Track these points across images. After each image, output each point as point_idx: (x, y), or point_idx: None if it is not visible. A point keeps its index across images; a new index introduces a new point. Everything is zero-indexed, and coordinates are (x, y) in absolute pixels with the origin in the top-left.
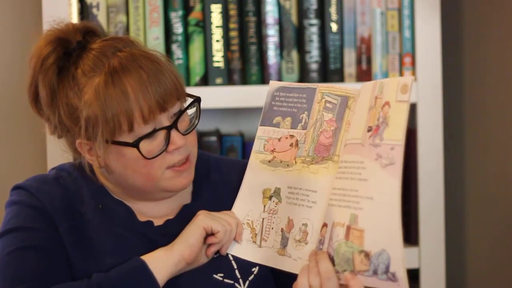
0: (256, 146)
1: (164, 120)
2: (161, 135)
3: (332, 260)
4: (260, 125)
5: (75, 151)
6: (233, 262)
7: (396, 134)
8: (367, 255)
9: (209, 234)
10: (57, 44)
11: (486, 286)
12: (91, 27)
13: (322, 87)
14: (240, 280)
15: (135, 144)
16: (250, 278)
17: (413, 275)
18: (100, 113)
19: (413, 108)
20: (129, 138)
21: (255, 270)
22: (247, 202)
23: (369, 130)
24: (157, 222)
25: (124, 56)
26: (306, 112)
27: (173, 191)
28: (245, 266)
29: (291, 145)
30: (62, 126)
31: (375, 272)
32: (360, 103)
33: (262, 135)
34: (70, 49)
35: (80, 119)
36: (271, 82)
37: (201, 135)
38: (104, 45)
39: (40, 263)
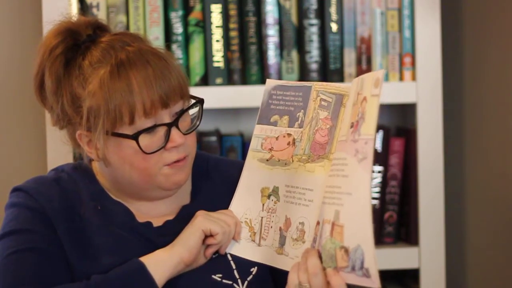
0: (253, 144)
1: (166, 117)
2: (161, 131)
3: (321, 257)
4: (257, 124)
5: (75, 143)
6: (231, 262)
7: (369, 128)
8: (346, 251)
9: (208, 235)
10: (67, 35)
11: (486, 286)
12: (102, 23)
13: (317, 85)
14: (239, 281)
15: (135, 137)
16: (248, 279)
17: (413, 275)
18: (103, 104)
19: (413, 108)
20: (129, 131)
21: (254, 270)
22: (245, 201)
23: (351, 126)
24: (156, 222)
25: (132, 51)
26: (302, 110)
27: (168, 189)
28: (244, 266)
29: (288, 143)
30: (64, 115)
31: (353, 268)
32: (349, 100)
33: (260, 133)
34: (80, 42)
35: (83, 108)
36: (268, 80)
37: (201, 135)
38: (114, 39)
39: (39, 265)
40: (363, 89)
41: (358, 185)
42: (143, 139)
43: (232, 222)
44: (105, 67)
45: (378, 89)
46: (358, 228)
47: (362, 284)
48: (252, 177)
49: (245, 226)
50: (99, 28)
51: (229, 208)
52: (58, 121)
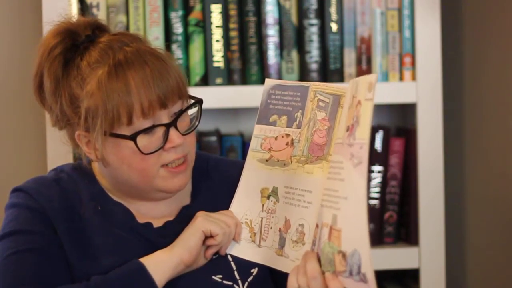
0: (253, 144)
1: (164, 117)
2: (160, 132)
3: (320, 260)
4: (257, 124)
5: (75, 143)
6: (232, 263)
7: (363, 132)
8: (344, 255)
9: (208, 236)
10: (66, 35)
11: (486, 286)
12: (101, 23)
13: (315, 85)
14: (239, 281)
15: (133, 137)
16: (249, 279)
17: (413, 275)
18: (101, 104)
19: (413, 108)
20: (127, 131)
21: (254, 271)
22: (245, 201)
23: (347, 130)
24: (156, 223)
25: (130, 51)
26: (300, 110)
27: (168, 192)
28: (244, 267)
29: (286, 144)
30: (63, 116)
31: (351, 273)
32: (346, 102)
33: (259, 133)
34: (78, 42)
35: (81, 109)
36: (266, 80)
37: (201, 135)
38: (112, 39)
39: (39, 265)
40: (358, 92)
41: (353, 190)
42: (141, 140)
43: (232, 223)
44: (103, 67)
45: (372, 93)
46: (355, 233)
47: None
48: (252, 178)
49: (245, 227)
50: (98, 29)
51: (229, 209)
52: (57, 122)
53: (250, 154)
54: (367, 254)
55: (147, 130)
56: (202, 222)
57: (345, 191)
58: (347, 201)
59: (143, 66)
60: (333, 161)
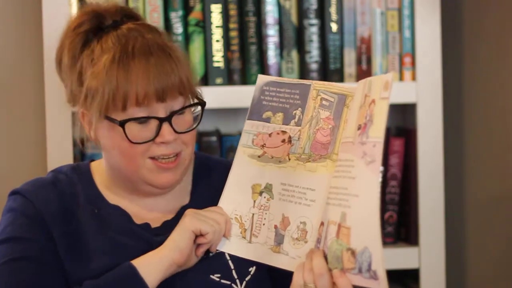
0: (244, 140)
1: (161, 111)
2: (154, 124)
3: (326, 258)
4: (248, 119)
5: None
6: (230, 262)
7: (378, 131)
8: (353, 253)
9: (198, 235)
10: (93, 16)
11: (486, 286)
12: (133, 12)
13: (317, 84)
14: (237, 281)
15: (122, 123)
16: (247, 279)
17: (413, 275)
18: (100, 86)
19: (413, 108)
20: (121, 117)
21: (252, 270)
22: (234, 197)
23: (358, 128)
24: (154, 223)
25: (141, 41)
26: (299, 108)
27: (155, 186)
28: (242, 266)
29: (283, 141)
30: (73, 92)
31: (360, 270)
32: (354, 101)
33: (250, 129)
34: (104, 26)
35: (83, 87)
36: (259, 76)
37: (201, 135)
38: (131, 28)
39: (34, 273)
40: (371, 92)
41: (366, 188)
42: (133, 128)
43: (222, 220)
44: (111, 52)
45: (388, 92)
46: (366, 231)
47: (369, 286)
48: (242, 173)
49: (235, 222)
50: (127, 16)
51: (218, 205)
52: (71, 98)
53: (240, 149)
54: (378, 251)
55: (139, 120)
56: (191, 221)
57: (356, 189)
58: (358, 198)
59: (148, 57)
60: (341, 160)
